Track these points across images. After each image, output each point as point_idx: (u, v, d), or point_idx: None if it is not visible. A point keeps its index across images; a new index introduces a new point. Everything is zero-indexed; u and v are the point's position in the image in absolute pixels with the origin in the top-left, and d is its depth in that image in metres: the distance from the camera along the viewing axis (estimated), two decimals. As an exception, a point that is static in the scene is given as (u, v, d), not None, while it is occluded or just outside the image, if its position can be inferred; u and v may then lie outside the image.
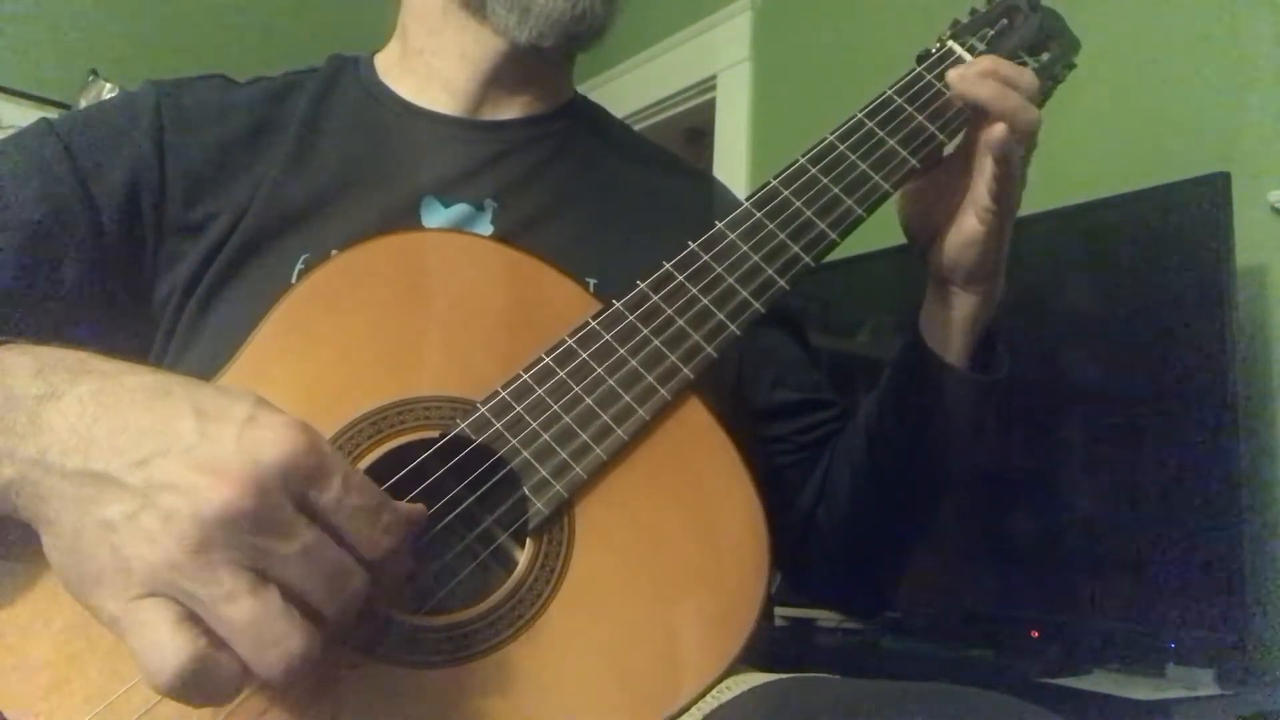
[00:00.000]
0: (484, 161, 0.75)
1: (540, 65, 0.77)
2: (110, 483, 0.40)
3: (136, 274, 0.69)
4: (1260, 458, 1.20)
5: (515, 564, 0.53)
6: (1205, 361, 1.13)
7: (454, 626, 0.50)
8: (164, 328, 0.69)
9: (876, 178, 0.65)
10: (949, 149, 0.68)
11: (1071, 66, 0.73)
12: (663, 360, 0.58)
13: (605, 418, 0.56)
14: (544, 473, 0.54)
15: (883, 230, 0.73)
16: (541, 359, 0.57)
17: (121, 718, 0.44)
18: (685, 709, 0.51)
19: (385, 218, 0.70)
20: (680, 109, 2.37)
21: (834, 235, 0.63)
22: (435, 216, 0.72)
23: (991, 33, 0.72)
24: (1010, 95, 0.64)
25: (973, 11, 0.74)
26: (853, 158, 0.65)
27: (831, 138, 0.66)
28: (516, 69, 0.77)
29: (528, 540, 0.53)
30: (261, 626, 0.39)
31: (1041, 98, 0.67)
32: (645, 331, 0.59)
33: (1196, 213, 1.17)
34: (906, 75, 0.69)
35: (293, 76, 0.79)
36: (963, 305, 0.69)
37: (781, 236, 0.62)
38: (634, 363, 0.58)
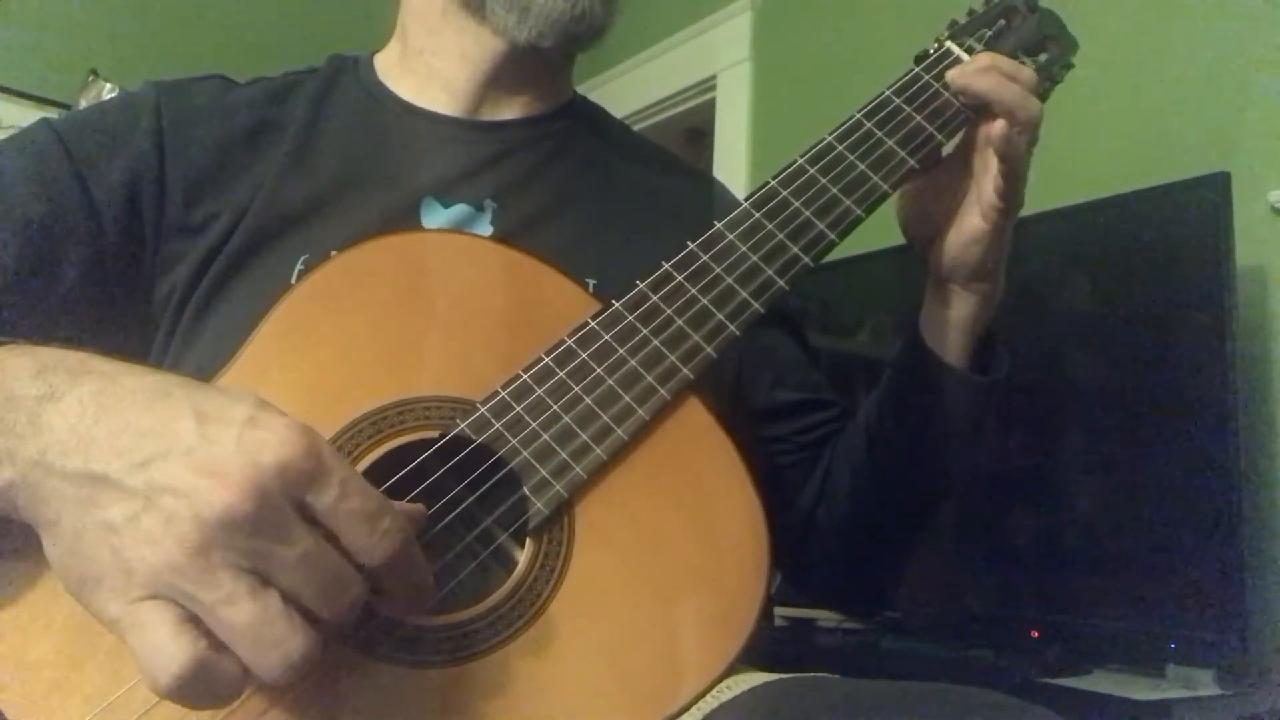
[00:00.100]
0: (484, 162, 0.75)
1: (540, 65, 0.78)
2: (111, 484, 0.40)
3: (136, 274, 0.69)
4: (1260, 458, 1.20)
5: (515, 564, 0.53)
6: (1205, 361, 1.13)
7: (454, 626, 0.50)
8: (164, 328, 0.69)
9: (875, 178, 0.65)
10: (947, 149, 0.68)
11: (1069, 67, 0.73)
12: (662, 360, 0.58)
13: (605, 418, 0.56)
14: (544, 473, 0.54)
15: (882, 230, 0.73)
16: (541, 359, 0.57)
17: (121, 718, 0.44)
18: (685, 709, 0.51)
19: (385, 218, 0.70)
20: (680, 109, 2.37)
21: (833, 235, 0.63)
22: (435, 217, 0.72)
23: (989, 33, 0.72)
24: (1010, 88, 0.64)
25: (970, 12, 0.74)
26: (851, 158, 0.65)
27: (830, 138, 0.66)
28: (516, 69, 0.77)
29: (528, 540, 0.54)
30: (261, 629, 0.39)
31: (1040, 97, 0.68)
32: (645, 331, 0.59)
33: (1196, 213, 1.17)
34: (904, 76, 0.69)
35: (293, 77, 0.79)
36: (963, 305, 0.69)
37: (780, 237, 0.62)
38: (633, 363, 0.58)
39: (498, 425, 0.55)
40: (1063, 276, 1.33)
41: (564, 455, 0.55)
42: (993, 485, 1.30)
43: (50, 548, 0.42)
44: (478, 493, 0.54)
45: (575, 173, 0.79)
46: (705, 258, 0.61)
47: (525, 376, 0.56)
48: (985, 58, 0.66)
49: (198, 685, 0.39)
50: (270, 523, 0.40)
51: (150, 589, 0.39)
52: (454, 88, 0.77)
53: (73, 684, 0.45)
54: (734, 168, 2.09)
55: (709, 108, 2.25)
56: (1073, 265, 1.33)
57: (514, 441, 0.55)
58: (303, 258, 0.68)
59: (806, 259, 0.62)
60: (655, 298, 0.60)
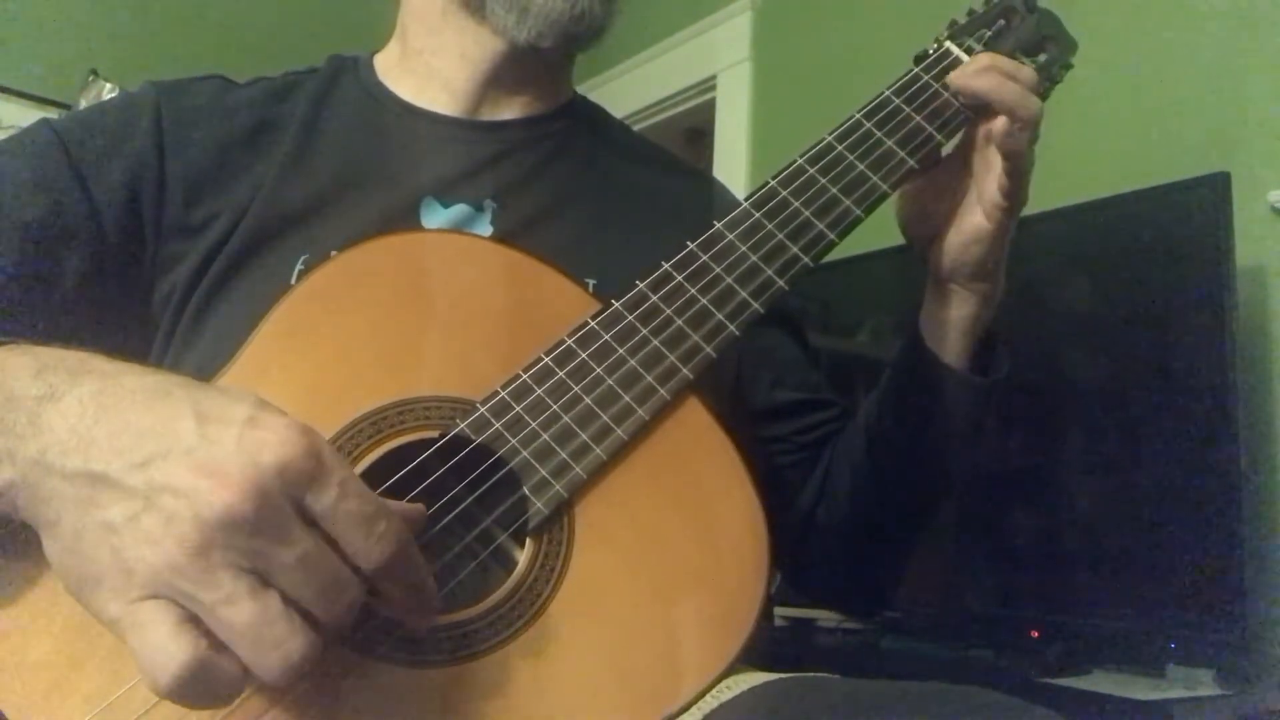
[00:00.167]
0: (483, 162, 0.75)
1: (539, 65, 0.78)
2: (111, 484, 0.40)
3: (136, 274, 0.69)
4: (1260, 458, 1.20)
5: (515, 564, 0.53)
6: (1205, 361, 1.13)
7: (454, 626, 0.50)
8: (164, 328, 0.69)
9: (875, 178, 0.65)
10: (947, 149, 0.68)
11: (1069, 67, 0.73)
12: (662, 360, 0.58)
13: (605, 418, 0.56)
14: (544, 473, 0.54)
15: (882, 230, 0.73)
16: (541, 359, 0.57)
17: (121, 718, 0.44)
18: (685, 708, 0.51)
19: (385, 218, 0.70)
20: (680, 109, 2.38)
21: (833, 235, 0.63)
22: (435, 217, 0.72)
23: (989, 34, 0.72)
24: (1010, 87, 0.64)
25: (970, 12, 0.74)
26: (851, 158, 0.65)
27: (830, 138, 0.66)
28: (516, 69, 0.77)
29: (527, 540, 0.54)
30: (261, 629, 0.39)
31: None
32: (644, 331, 0.59)
33: (1196, 213, 1.17)
34: (904, 76, 0.69)
35: (292, 77, 0.79)
36: (963, 305, 0.69)
37: (780, 237, 0.62)
38: (633, 362, 0.58)
39: (497, 425, 0.55)
40: (1063, 276, 1.33)
41: (564, 455, 0.55)
42: (993, 485, 1.30)
43: (50, 547, 0.42)
44: (477, 493, 0.54)
45: (575, 173, 0.79)
46: (705, 258, 0.61)
47: (525, 376, 0.56)
48: (984, 58, 0.66)
49: (197, 685, 0.39)
50: (270, 523, 0.40)
51: (150, 589, 0.39)
52: (454, 88, 0.77)
53: (73, 684, 0.45)
54: (734, 168, 2.09)
55: (709, 108, 2.25)
56: (1073, 265, 1.33)
57: (514, 441, 0.55)
58: (303, 258, 0.68)
59: (806, 259, 0.62)
60: (655, 298, 0.60)
